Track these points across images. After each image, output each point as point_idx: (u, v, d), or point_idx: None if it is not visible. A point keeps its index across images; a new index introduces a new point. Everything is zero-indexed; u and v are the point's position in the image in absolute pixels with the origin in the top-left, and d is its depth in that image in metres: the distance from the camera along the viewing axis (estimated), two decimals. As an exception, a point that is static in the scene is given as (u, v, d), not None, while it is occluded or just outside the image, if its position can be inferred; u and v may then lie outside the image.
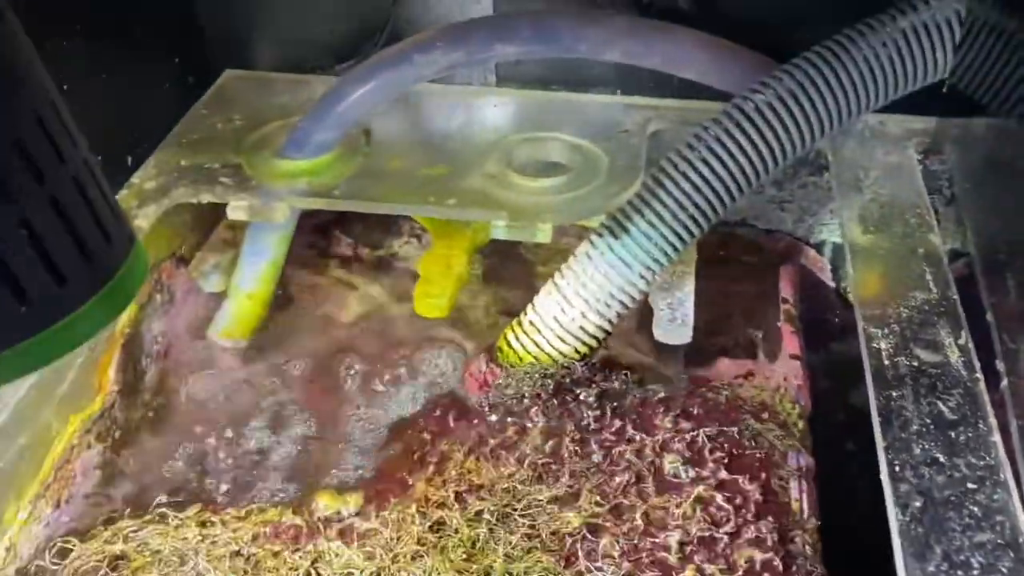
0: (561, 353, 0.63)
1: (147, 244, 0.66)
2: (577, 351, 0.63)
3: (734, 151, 0.59)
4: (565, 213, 0.58)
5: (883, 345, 0.50)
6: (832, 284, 0.82)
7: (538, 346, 0.63)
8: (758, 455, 0.56)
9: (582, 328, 0.63)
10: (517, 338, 0.64)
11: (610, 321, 0.63)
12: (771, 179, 0.76)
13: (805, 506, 0.56)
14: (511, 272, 0.80)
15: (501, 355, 0.65)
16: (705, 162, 0.60)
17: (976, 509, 0.41)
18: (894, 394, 0.47)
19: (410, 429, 0.62)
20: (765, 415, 0.61)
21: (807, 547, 0.54)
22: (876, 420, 0.46)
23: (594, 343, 0.64)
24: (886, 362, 0.49)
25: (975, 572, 0.39)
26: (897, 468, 0.43)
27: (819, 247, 0.81)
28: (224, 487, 0.58)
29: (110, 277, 0.31)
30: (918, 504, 0.41)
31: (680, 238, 0.62)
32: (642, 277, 0.62)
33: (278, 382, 0.67)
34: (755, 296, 0.78)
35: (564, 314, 0.62)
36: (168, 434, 0.62)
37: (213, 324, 0.69)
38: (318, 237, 0.82)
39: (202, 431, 0.62)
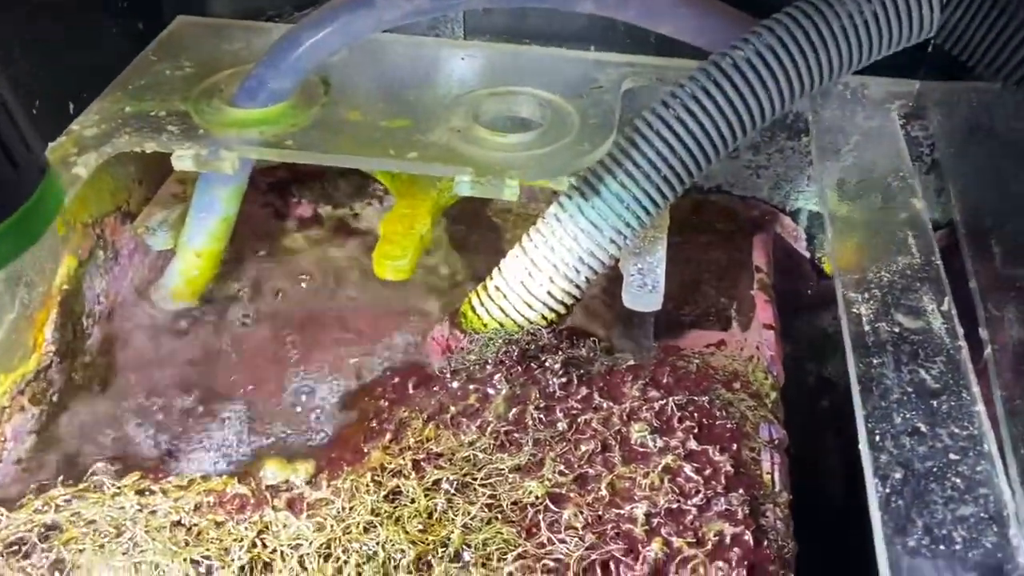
0: (527, 320, 0.60)
1: (89, 197, 0.62)
2: (544, 318, 0.61)
3: (711, 110, 0.56)
4: (534, 170, 0.55)
5: (863, 310, 0.47)
6: (807, 254, 0.80)
7: (504, 312, 0.61)
8: (729, 425, 0.54)
9: (549, 294, 0.60)
10: (482, 303, 0.61)
11: (579, 287, 0.60)
12: (747, 142, 0.74)
13: (777, 479, 0.54)
14: (479, 238, 0.77)
15: (464, 321, 0.62)
16: (680, 121, 0.57)
17: (959, 481, 0.39)
18: (874, 361, 0.45)
19: (367, 396, 0.59)
20: (737, 385, 0.59)
21: (778, 521, 0.52)
22: (856, 388, 0.43)
23: (562, 309, 0.61)
24: (866, 328, 0.46)
25: (957, 547, 0.37)
26: (877, 438, 0.41)
27: (795, 215, 0.78)
28: (166, 455, 0.55)
29: (17, 205, 0.28)
30: (899, 475, 0.39)
31: (653, 201, 0.59)
32: (612, 241, 0.59)
33: (228, 346, 0.63)
34: (728, 265, 0.76)
35: (531, 279, 0.60)
36: (109, 399, 0.58)
37: (160, 284, 0.65)
38: (275, 197, 0.78)
39: (145, 397, 0.59)
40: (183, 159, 0.56)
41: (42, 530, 0.46)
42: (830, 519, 0.64)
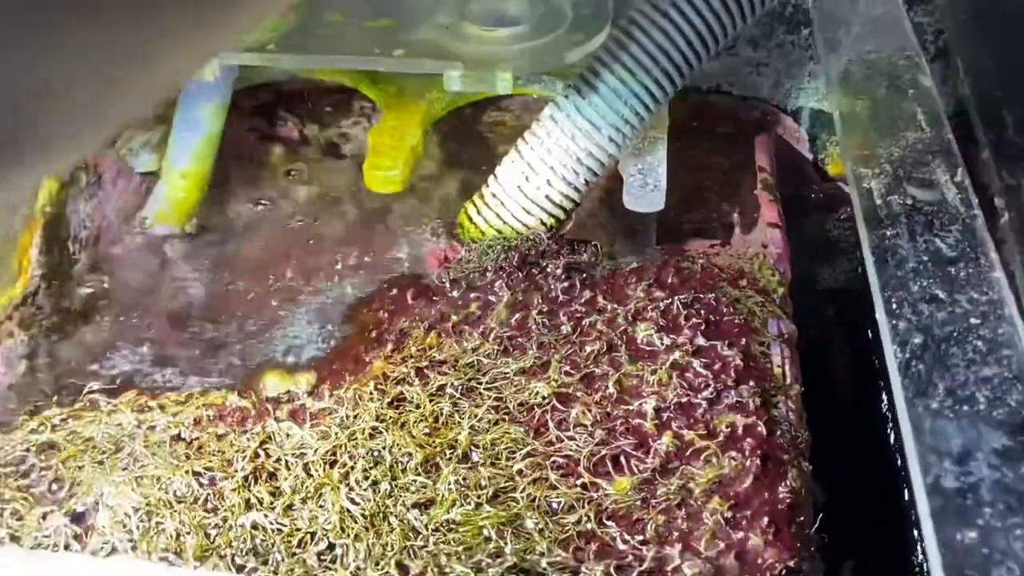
0: (526, 226, 0.59)
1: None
2: (543, 223, 0.59)
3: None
4: (526, 63, 0.53)
5: (874, 185, 0.46)
6: (809, 156, 0.78)
7: (501, 219, 0.59)
8: (737, 321, 0.53)
9: (548, 197, 0.58)
10: (479, 212, 0.59)
11: (578, 189, 0.58)
12: (746, 37, 0.71)
13: (788, 372, 0.53)
14: (472, 154, 0.75)
15: (462, 231, 0.60)
16: (678, 8, 0.54)
17: (980, 344, 0.38)
18: (888, 233, 0.43)
19: (366, 309, 0.57)
20: (743, 282, 0.57)
21: (791, 412, 0.51)
22: (869, 260, 0.42)
23: (561, 214, 0.59)
24: (878, 202, 0.45)
25: (981, 406, 0.35)
26: (894, 306, 0.39)
27: (796, 114, 0.76)
28: (163, 374, 0.53)
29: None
30: (918, 341, 0.38)
31: (652, 95, 0.57)
32: (611, 140, 0.57)
33: (220, 270, 0.62)
34: (730, 168, 0.74)
35: (529, 183, 0.58)
36: (101, 323, 0.57)
37: (146, 208, 0.63)
38: (259, 120, 0.75)
39: (139, 321, 0.57)
40: (159, 70, 0.53)
41: (39, 449, 0.45)
42: (843, 419, 0.63)
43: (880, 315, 0.39)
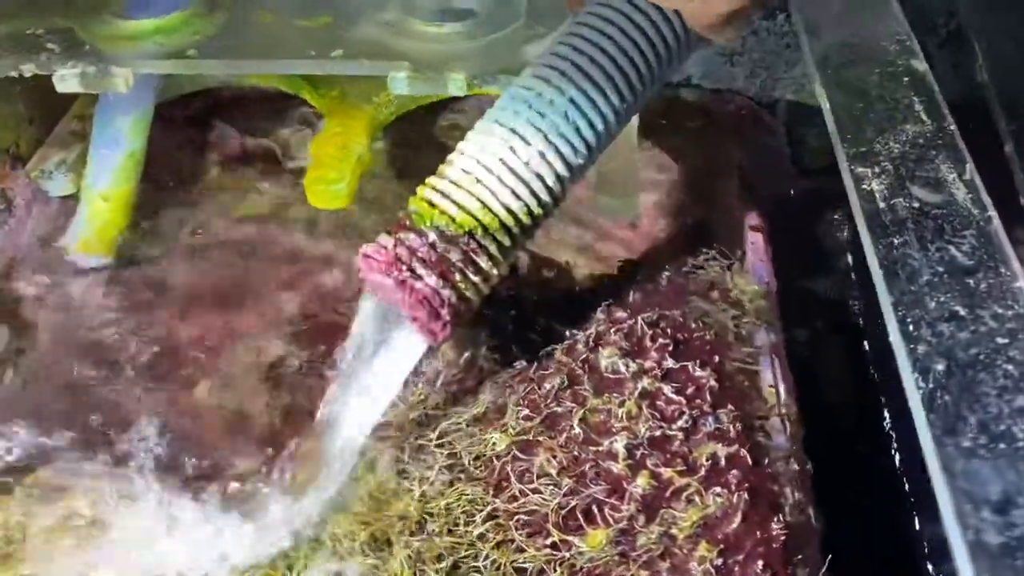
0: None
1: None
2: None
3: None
4: (480, 61, 0.47)
5: (875, 186, 0.41)
6: (787, 151, 0.74)
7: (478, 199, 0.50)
8: (707, 337, 0.48)
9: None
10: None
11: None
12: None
13: (780, 390, 0.48)
14: (427, 162, 0.69)
15: (419, 219, 0.52)
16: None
17: (1011, 368, 0.33)
18: (895, 241, 0.38)
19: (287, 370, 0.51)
20: (714, 294, 0.52)
21: (781, 437, 0.45)
22: (878, 274, 0.37)
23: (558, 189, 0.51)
24: (881, 205, 0.40)
25: (1020, 443, 0.30)
26: (911, 327, 0.34)
27: (772, 107, 0.72)
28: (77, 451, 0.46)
29: None
30: (941, 368, 0.33)
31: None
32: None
33: (153, 308, 0.55)
34: (703, 168, 0.69)
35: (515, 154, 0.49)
36: (18, 369, 0.50)
37: (67, 235, 0.57)
38: (193, 131, 0.69)
39: (58, 371, 0.50)
40: (66, 80, 0.47)
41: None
42: (840, 442, 0.59)
43: (895, 338, 0.34)
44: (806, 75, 0.69)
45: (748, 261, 0.57)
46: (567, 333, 0.47)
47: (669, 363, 0.45)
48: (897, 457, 0.54)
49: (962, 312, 0.35)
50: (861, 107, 0.46)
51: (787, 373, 0.50)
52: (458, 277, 0.42)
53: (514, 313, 0.48)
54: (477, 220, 0.43)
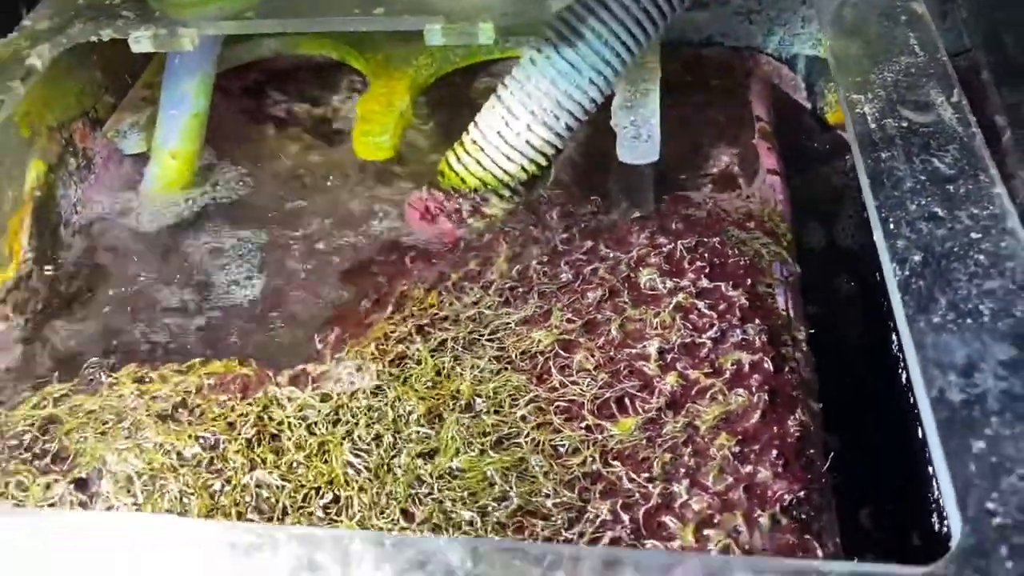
0: (507, 172, 0.58)
1: (52, 99, 0.59)
2: (524, 169, 0.58)
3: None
4: (508, 13, 0.52)
5: (867, 110, 0.45)
6: (808, 105, 0.77)
7: (481, 165, 0.58)
8: (742, 262, 0.52)
9: (528, 143, 0.57)
10: (459, 159, 0.59)
11: (559, 135, 0.58)
12: (735, -17, 0.70)
13: (792, 314, 0.52)
14: (463, 121, 0.74)
15: (443, 179, 0.59)
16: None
17: (983, 258, 0.37)
18: (883, 155, 0.42)
19: (364, 273, 0.57)
20: (751, 224, 0.56)
21: (797, 353, 0.50)
22: (865, 183, 0.41)
23: (542, 160, 0.59)
24: (872, 126, 0.44)
25: (985, 319, 0.35)
26: (891, 226, 0.39)
27: (792, 63, 0.75)
28: (162, 349, 0.53)
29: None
30: (917, 259, 0.37)
31: (634, 37, 0.56)
32: (592, 83, 0.56)
33: (215, 247, 0.61)
34: (727, 121, 0.73)
35: (508, 128, 0.57)
36: (96, 306, 0.57)
37: (139, 190, 0.63)
38: (249, 100, 0.75)
39: (135, 300, 0.57)
40: (140, 41, 0.53)
41: (42, 423, 0.45)
42: (855, 371, 0.62)
43: (878, 236, 0.38)
44: (819, 26, 0.72)
45: (772, 198, 0.61)
46: (611, 255, 0.52)
47: (704, 283, 0.50)
48: (904, 379, 0.57)
49: (940, 213, 0.39)
50: (860, 45, 0.50)
51: (799, 300, 0.54)
52: (468, 219, 0.57)
53: (565, 236, 0.53)
54: (479, 180, 0.58)
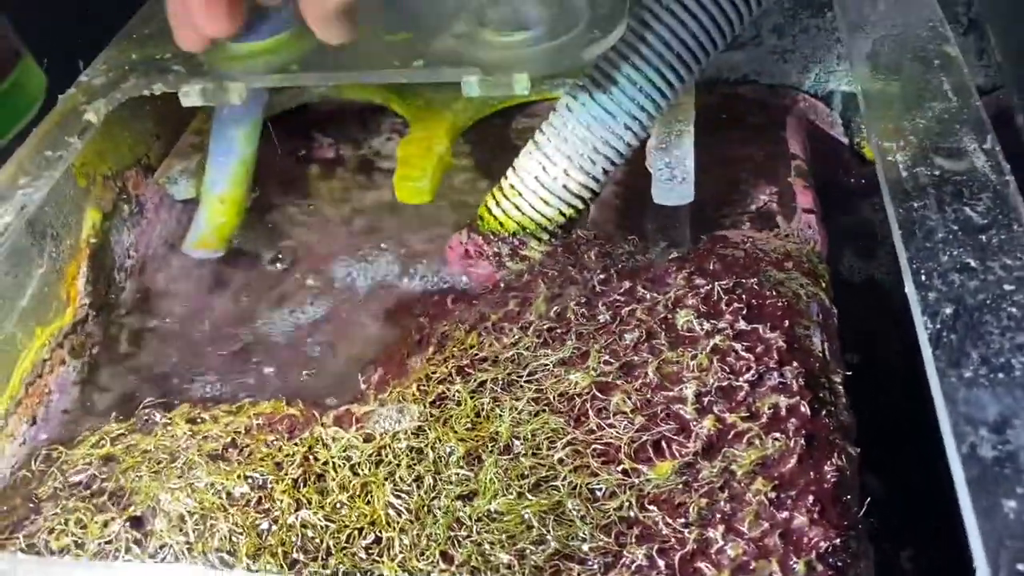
0: (544, 216, 0.59)
1: (106, 149, 0.62)
2: (562, 213, 0.60)
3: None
4: (543, 64, 0.54)
5: (899, 157, 0.45)
6: (845, 140, 0.78)
7: (520, 210, 0.60)
8: (780, 303, 0.52)
9: (565, 187, 0.59)
10: (498, 203, 0.60)
11: (595, 179, 0.59)
12: (770, 24, 0.71)
13: (828, 356, 0.52)
14: (501, 161, 0.76)
15: (482, 223, 0.61)
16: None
17: (1016, 311, 0.37)
18: (915, 205, 0.43)
19: (406, 314, 0.59)
20: (789, 264, 0.57)
21: (834, 396, 0.50)
22: (896, 233, 0.41)
23: (580, 204, 0.60)
24: (904, 174, 0.44)
25: (1018, 373, 0.35)
26: (923, 277, 0.39)
27: (828, 99, 0.76)
28: (213, 391, 0.55)
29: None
30: (949, 311, 0.37)
31: (668, 82, 0.57)
32: (628, 128, 0.58)
33: (263, 289, 0.64)
34: (763, 159, 0.74)
35: (546, 173, 0.58)
36: (150, 348, 0.59)
37: (187, 236, 0.66)
38: (295, 142, 0.78)
39: (186, 344, 0.59)
40: (190, 95, 0.56)
41: (100, 462, 0.47)
42: (893, 411, 0.62)
43: (909, 288, 0.39)
44: (850, 66, 0.73)
45: (809, 237, 0.62)
46: (648, 296, 0.52)
47: (741, 325, 0.50)
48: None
49: (973, 264, 0.39)
50: (893, 90, 0.50)
51: (836, 341, 0.55)
52: (507, 262, 0.59)
53: (602, 276, 0.54)
54: (518, 224, 0.60)
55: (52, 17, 0.62)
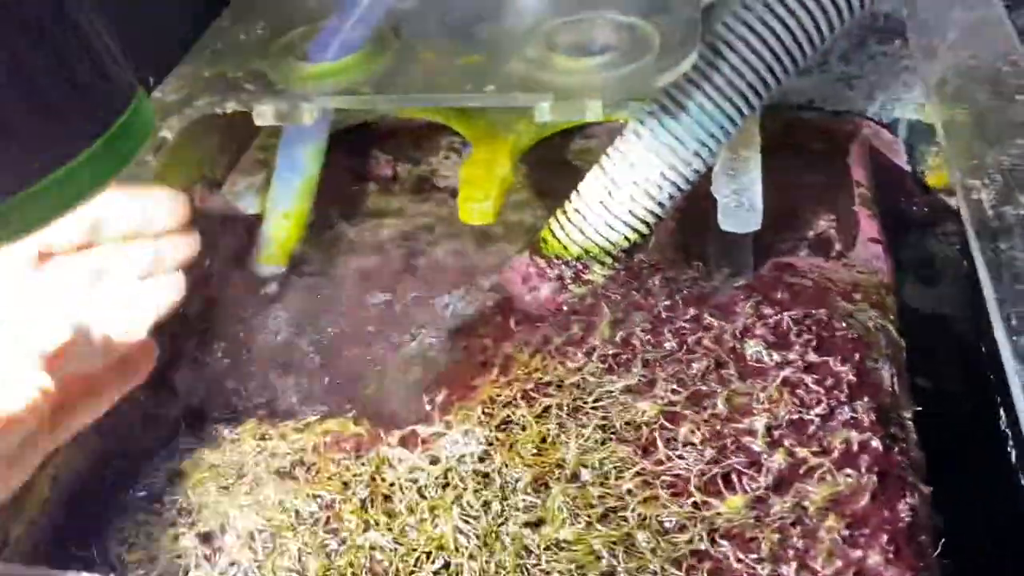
0: (609, 241, 0.59)
1: (175, 165, 0.63)
2: (626, 238, 0.59)
3: (794, 6, 0.54)
4: (615, 90, 0.54)
5: (984, 196, 0.44)
6: (908, 168, 0.76)
7: (584, 234, 0.59)
8: (850, 336, 0.52)
9: (631, 213, 0.58)
10: (562, 227, 0.60)
11: (661, 204, 0.59)
12: (838, 50, 0.70)
13: (899, 391, 0.51)
14: (560, 182, 0.76)
15: (545, 246, 0.61)
16: (763, 22, 0.55)
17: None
18: (1002, 246, 0.42)
19: (470, 336, 0.59)
20: (858, 296, 0.56)
21: (904, 431, 0.49)
22: (984, 276, 0.41)
23: (644, 229, 0.59)
24: (989, 213, 0.43)
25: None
26: (1014, 322, 0.38)
27: (892, 127, 0.75)
28: (280, 406, 0.56)
29: (111, 122, 0.28)
30: (1041, 354, 0.37)
31: (738, 109, 0.57)
32: (696, 155, 0.57)
33: (325, 305, 0.64)
34: (826, 185, 0.73)
35: (611, 198, 0.58)
36: (216, 360, 0.60)
37: (254, 251, 0.66)
38: (354, 159, 0.78)
39: (252, 355, 0.60)
40: (264, 114, 0.56)
41: (169, 475, 0.48)
42: (959, 443, 0.61)
43: (1000, 334, 0.38)
44: (925, 95, 0.72)
45: (876, 268, 0.61)
46: (715, 324, 0.52)
47: (812, 357, 0.49)
48: (1014, 457, 0.56)
49: (1066, 310, 0.38)
50: (973, 125, 0.49)
51: (904, 375, 0.54)
52: (569, 285, 0.59)
53: (667, 303, 0.54)
54: (582, 248, 0.59)
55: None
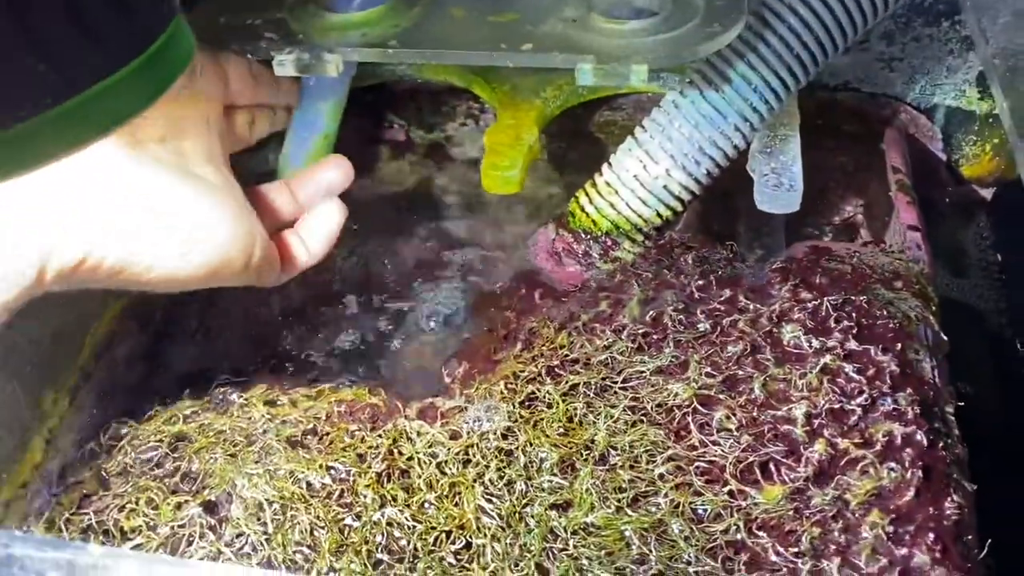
0: (641, 217, 0.56)
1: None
2: (659, 215, 0.57)
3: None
4: (661, 55, 0.51)
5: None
6: (943, 157, 0.74)
7: (615, 208, 0.57)
8: (891, 325, 0.49)
9: (666, 188, 0.56)
10: (591, 201, 0.57)
11: (698, 181, 0.56)
12: (880, 30, 0.67)
13: (939, 384, 0.49)
14: (582, 154, 0.73)
15: (573, 220, 0.58)
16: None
17: None
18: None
19: (492, 307, 0.56)
20: (898, 284, 0.53)
21: (947, 426, 0.47)
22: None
23: (679, 206, 0.57)
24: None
25: None
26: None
27: (930, 113, 0.72)
28: (292, 372, 0.53)
29: (147, 45, 0.25)
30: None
31: (784, 84, 0.54)
32: (737, 129, 0.55)
33: (336, 271, 0.61)
34: (856, 169, 0.70)
35: (647, 172, 0.55)
36: (224, 323, 0.57)
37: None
38: (366, 121, 0.75)
39: (261, 319, 0.57)
40: (284, 64, 0.53)
41: (172, 440, 0.45)
42: (995, 441, 0.59)
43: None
44: (967, 81, 0.69)
45: (913, 259, 0.58)
46: (751, 306, 0.49)
47: (852, 345, 0.47)
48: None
49: None
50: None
51: (945, 369, 0.51)
52: (597, 262, 0.57)
53: (700, 283, 0.51)
54: (612, 223, 0.57)
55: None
